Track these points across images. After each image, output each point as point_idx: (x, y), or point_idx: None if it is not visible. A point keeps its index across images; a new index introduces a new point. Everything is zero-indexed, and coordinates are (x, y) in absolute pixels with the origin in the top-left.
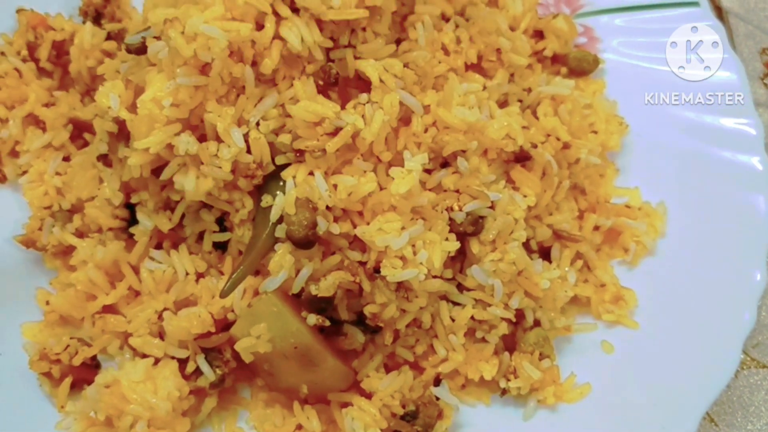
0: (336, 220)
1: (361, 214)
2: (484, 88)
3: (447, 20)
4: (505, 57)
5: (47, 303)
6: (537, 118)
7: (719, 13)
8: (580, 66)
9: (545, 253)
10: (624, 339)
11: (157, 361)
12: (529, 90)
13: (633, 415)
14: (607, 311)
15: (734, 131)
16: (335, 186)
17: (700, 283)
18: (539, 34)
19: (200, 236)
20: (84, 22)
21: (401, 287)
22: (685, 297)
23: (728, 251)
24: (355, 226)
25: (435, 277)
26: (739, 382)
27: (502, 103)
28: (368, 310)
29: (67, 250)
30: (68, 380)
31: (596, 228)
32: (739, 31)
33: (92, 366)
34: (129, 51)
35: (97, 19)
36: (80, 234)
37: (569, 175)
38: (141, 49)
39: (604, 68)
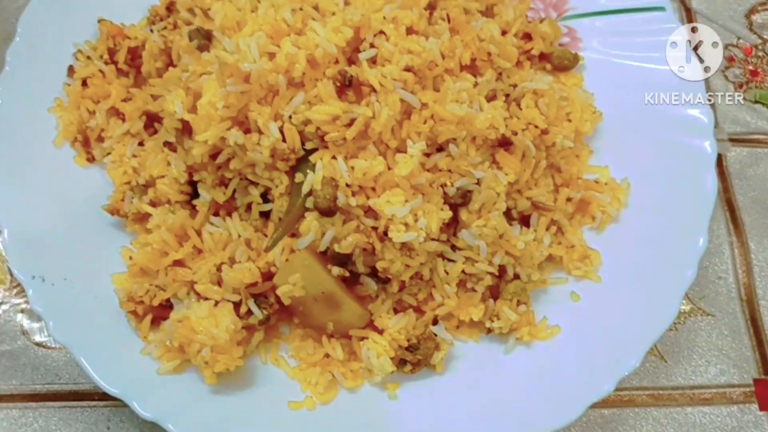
0: (353, 194)
1: (373, 189)
2: (476, 85)
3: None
4: (494, 60)
5: (130, 258)
6: (521, 109)
7: (689, 14)
8: (561, 63)
9: (526, 221)
10: (589, 290)
11: (216, 303)
12: (515, 86)
13: (593, 350)
14: (575, 268)
15: (689, 118)
16: (353, 168)
17: (653, 245)
18: (528, 36)
19: (248, 206)
20: (151, 30)
21: (405, 247)
22: (640, 256)
23: (678, 220)
24: (368, 199)
25: (432, 239)
26: (686, 326)
27: (491, 98)
28: (380, 265)
29: (144, 217)
30: (149, 317)
31: (569, 200)
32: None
33: (167, 306)
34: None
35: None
36: (154, 204)
37: (546, 156)
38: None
39: (584, 64)
